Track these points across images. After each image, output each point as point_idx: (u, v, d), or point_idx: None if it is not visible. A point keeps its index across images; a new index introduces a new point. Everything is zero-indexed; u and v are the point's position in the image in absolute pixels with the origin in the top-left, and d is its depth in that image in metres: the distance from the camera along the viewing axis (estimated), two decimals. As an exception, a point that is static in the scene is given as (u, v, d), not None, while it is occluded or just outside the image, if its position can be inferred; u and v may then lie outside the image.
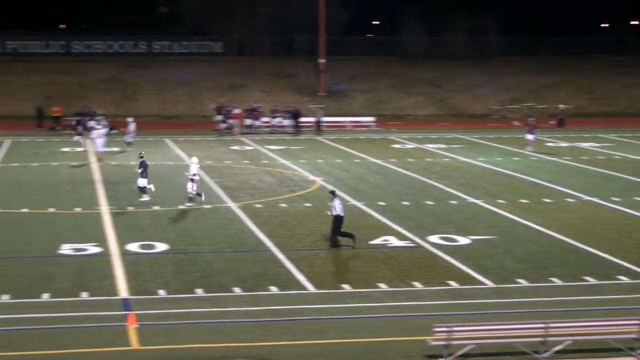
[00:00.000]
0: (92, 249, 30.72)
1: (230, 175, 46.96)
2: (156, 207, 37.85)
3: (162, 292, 25.85)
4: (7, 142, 59.35)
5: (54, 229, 33.90)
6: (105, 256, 29.85)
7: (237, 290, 26.13)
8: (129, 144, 56.67)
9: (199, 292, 25.94)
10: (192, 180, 38.22)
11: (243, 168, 49.62)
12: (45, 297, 25.33)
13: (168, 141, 61.19)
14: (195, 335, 22.19)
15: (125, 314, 23.57)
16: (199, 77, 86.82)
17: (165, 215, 36.65)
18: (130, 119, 58.53)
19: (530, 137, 57.90)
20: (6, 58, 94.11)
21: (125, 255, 29.97)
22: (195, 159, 39.19)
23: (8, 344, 21.40)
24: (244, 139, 63.22)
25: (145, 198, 39.15)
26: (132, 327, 22.53)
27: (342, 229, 31.27)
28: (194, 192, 38.37)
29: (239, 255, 30.48)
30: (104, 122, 58.51)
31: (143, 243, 31.50)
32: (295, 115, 68.11)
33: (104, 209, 37.53)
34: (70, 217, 36.23)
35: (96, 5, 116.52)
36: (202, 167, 48.31)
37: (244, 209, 37.97)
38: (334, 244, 31.33)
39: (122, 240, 31.78)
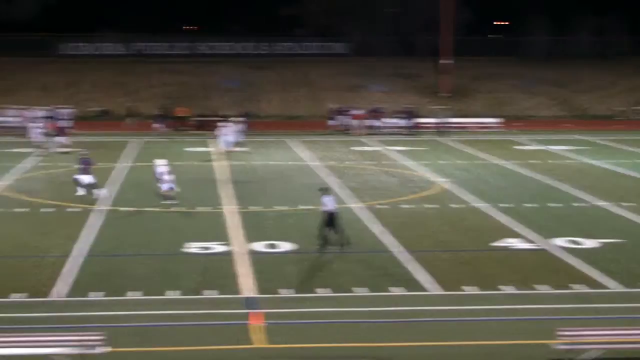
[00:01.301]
0: (217, 247, 31.18)
1: (352, 175, 47.13)
2: (280, 207, 38.22)
3: (285, 291, 26.10)
4: (134, 142, 60.52)
5: (179, 228, 34.47)
6: (229, 255, 30.26)
7: (358, 291, 26.23)
8: (235, 144, 56.90)
9: (321, 291, 26.12)
10: (163, 180, 39.02)
11: (364, 168, 49.76)
12: (170, 294, 25.81)
13: (289, 141, 61.68)
14: (316, 335, 22.34)
15: (249, 313, 23.91)
16: (321, 78, 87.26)
17: (290, 215, 36.96)
18: (232, 119, 59.13)
19: None
20: (132, 59, 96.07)
21: (249, 254, 30.33)
22: (160, 161, 40.41)
23: (135, 340, 21.89)
24: (366, 140, 63.36)
25: (102, 193, 39.92)
26: (255, 326, 22.84)
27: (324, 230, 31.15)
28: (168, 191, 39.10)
29: (360, 255, 30.56)
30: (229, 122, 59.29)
31: (267, 242, 31.83)
32: (411, 115, 68.07)
33: (229, 208, 38.04)
34: (195, 216, 36.81)
35: (220, 7, 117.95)
36: (324, 168, 48.85)
37: (365, 209, 38.08)
38: (344, 242, 31.08)
39: (247, 239, 32.18)
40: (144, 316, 23.81)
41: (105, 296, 25.56)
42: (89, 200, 39.30)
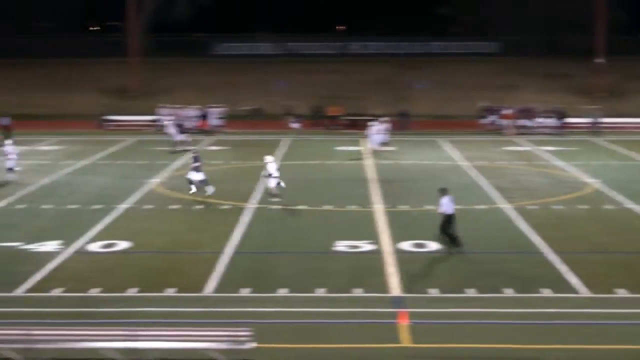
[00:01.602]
0: (366, 246, 31.28)
1: (503, 175, 46.61)
2: (428, 207, 38.11)
3: (433, 291, 26.05)
4: (286, 140, 61.18)
5: (329, 226, 34.73)
6: (378, 254, 30.33)
7: (508, 292, 25.99)
8: (382, 144, 56.43)
9: (470, 292, 25.97)
10: (272, 177, 39.63)
11: (516, 169, 49.16)
12: (320, 292, 26.07)
13: (440, 141, 61.37)
14: (465, 335, 22.26)
15: (397, 312, 23.95)
16: (472, 77, 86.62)
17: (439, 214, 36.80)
18: (381, 119, 58.82)
19: None
20: (286, 59, 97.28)
21: (398, 253, 30.36)
22: (270, 158, 40.46)
23: (283, 336, 22.21)
24: (517, 139, 62.56)
25: (193, 190, 40.38)
26: (403, 325, 22.87)
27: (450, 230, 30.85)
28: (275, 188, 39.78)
29: (511, 256, 30.28)
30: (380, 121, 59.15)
31: (415, 242, 31.79)
32: (560, 115, 67.02)
33: (378, 207, 38.11)
34: (344, 215, 37.02)
35: (373, 6, 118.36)
36: (475, 168, 48.48)
37: (516, 209, 37.65)
38: (454, 243, 30.73)
39: (395, 238, 32.19)
40: (292, 313, 24.12)
41: (256, 293, 25.97)
42: (240, 198, 39.96)
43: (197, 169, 40.64)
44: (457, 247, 30.62)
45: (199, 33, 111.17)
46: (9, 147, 44.78)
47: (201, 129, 66.25)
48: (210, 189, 40.53)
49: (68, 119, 73.36)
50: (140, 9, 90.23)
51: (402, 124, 67.28)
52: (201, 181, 40.63)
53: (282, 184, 40.19)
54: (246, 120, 72.42)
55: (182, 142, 56.42)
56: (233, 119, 70.35)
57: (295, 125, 64.07)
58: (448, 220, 30.76)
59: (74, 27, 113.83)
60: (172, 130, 57.51)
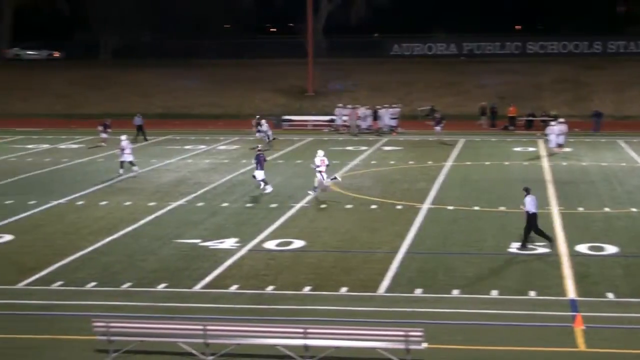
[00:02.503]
0: (541, 248, 30.73)
1: (686, 178, 45.19)
2: (607, 209, 37.26)
3: (610, 295, 25.46)
4: (461, 141, 60.80)
5: (504, 228, 34.28)
6: (553, 256, 29.80)
7: (689, 297, 25.24)
8: (559, 145, 55.16)
9: (652, 296, 25.35)
10: (320, 172, 40.49)
11: (700, 171, 47.57)
12: (494, 293, 25.79)
13: (621, 142, 59.83)
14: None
15: (573, 315, 23.47)
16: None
17: (619, 217, 35.92)
18: (558, 120, 57.67)
19: None
20: (462, 59, 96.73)
21: (574, 256, 29.77)
22: (320, 152, 41.10)
23: (456, 338, 22.10)
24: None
25: (267, 190, 41.41)
26: (579, 329, 22.41)
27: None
28: (322, 181, 40.79)
29: (693, 261, 29.35)
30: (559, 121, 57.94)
31: (592, 244, 31.11)
32: None
33: (554, 209, 37.46)
34: (520, 216, 36.43)
35: (552, 6, 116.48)
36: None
37: (699, 213, 36.53)
38: (524, 244, 30.50)
39: (571, 241, 31.56)
40: (465, 314, 23.94)
41: (429, 293, 25.87)
42: (414, 198, 39.92)
43: (259, 167, 41.49)
44: (550, 241, 30.71)
45: (374, 34, 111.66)
46: (124, 142, 46.78)
47: (374, 129, 66.50)
48: (268, 188, 41.48)
49: (245, 119, 74.78)
50: (318, 11, 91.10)
51: (596, 124, 65.88)
52: (262, 180, 41.54)
53: (339, 177, 41.98)
54: (426, 120, 72.24)
55: (263, 140, 57.75)
56: (408, 119, 70.35)
57: (438, 129, 62.22)
58: (535, 219, 30.34)
59: (253, 29, 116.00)
60: (266, 128, 58.69)
